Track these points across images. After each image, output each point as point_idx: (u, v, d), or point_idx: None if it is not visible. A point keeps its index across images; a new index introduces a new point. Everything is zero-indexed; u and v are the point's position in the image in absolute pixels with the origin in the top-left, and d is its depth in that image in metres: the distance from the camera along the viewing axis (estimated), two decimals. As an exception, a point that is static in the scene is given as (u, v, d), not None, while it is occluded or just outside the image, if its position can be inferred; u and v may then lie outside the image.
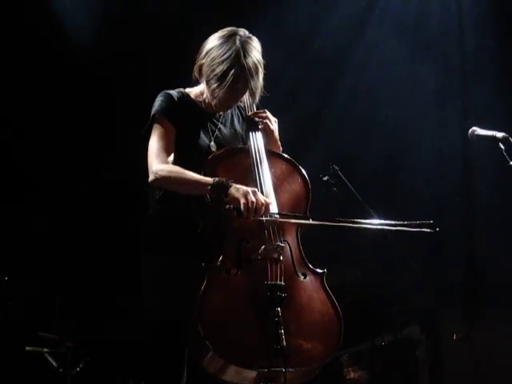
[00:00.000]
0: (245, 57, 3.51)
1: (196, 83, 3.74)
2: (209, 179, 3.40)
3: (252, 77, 3.52)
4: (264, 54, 3.62)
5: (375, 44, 6.82)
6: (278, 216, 3.42)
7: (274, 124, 3.74)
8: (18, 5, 6.10)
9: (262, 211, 3.33)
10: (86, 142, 6.19)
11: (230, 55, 3.50)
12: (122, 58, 6.24)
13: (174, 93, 3.70)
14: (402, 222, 3.53)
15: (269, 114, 3.74)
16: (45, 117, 6.26)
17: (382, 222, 3.64)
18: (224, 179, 3.38)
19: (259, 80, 3.57)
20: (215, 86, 3.54)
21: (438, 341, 5.96)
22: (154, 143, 3.56)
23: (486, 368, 5.71)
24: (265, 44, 3.66)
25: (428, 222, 3.51)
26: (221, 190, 3.36)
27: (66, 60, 6.22)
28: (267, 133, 3.72)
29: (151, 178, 3.50)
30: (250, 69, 3.51)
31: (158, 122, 3.60)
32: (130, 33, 6.24)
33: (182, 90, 3.74)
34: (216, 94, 3.58)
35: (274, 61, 3.74)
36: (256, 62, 3.54)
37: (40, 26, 6.14)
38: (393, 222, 3.57)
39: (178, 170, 3.47)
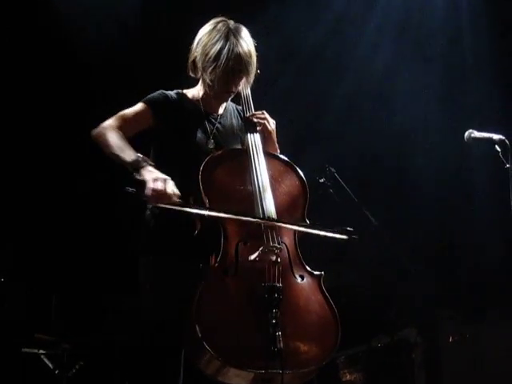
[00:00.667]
0: (235, 35, 3.59)
1: (193, 84, 3.76)
2: (131, 154, 3.42)
3: (245, 53, 3.58)
4: (263, 55, 3.66)
5: (375, 45, 6.84)
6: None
7: (272, 125, 3.75)
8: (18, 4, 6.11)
9: (164, 200, 3.31)
10: (82, 142, 6.18)
11: (221, 36, 3.59)
12: (121, 59, 6.24)
13: (170, 92, 3.73)
14: (321, 226, 3.50)
15: (267, 116, 3.75)
16: (40, 116, 6.25)
17: (303, 224, 3.58)
18: (144, 158, 3.40)
19: (252, 57, 3.62)
20: (211, 68, 3.58)
21: (434, 343, 5.96)
22: (122, 112, 3.62)
23: (483, 370, 5.70)
24: (263, 44, 3.70)
25: (347, 228, 3.49)
26: (136, 167, 3.37)
27: (65, 59, 6.22)
28: (265, 134, 3.73)
29: (94, 130, 3.55)
30: (242, 45, 3.58)
31: (139, 104, 3.65)
32: (130, 32, 6.26)
33: (179, 90, 3.77)
34: (213, 78, 3.60)
35: (274, 61, 3.75)
36: (247, 40, 3.63)
37: (41, 24, 6.14)
38: (315, 225, 3.53)
39: (118, 135, 3.50)
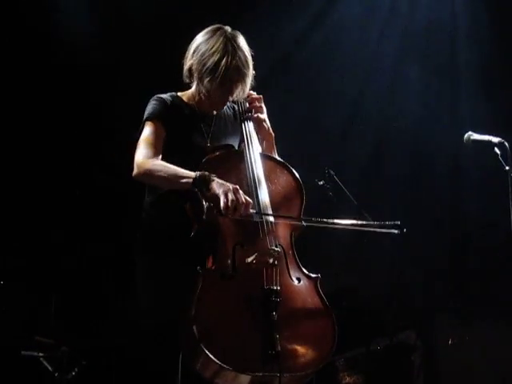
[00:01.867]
0: (233, 46, 3.57)
1: (187, 88, 3.76)
2: (191, 173, 3.40)
3: (243, 64, 3.57)
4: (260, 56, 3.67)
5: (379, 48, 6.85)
6: (257, 216, 3.40)
7: (263, 113, 3.77)
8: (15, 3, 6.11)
9: (242, 210, 3.31)
10: (80, 146, 6.19)
11: (219, 46, 3.56)
12: (117, 61, 6.24)
13: (166, 96, 3.72)
14: (371, 223, 3.52)
15: (259, 103, 3.77)
16: (38, 119, 6.26)
17: (353, 222, 3.60)
18: (207, 174, 3.37)
19: (250, 68, 3.62)
20: (208, 79, 3.57)
21: (433, 346, 5.96)
22: (143, 139, 3.59)
23: (481, 373, 5.70)
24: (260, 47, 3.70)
25: (395, 223, 3.50)
26: (203, 184, 3.35)
27: (61, 62, 6.22)
28: (259, 122, 3.75)
29: (135, 171, 3.51)
30: (240, 56, 3.56)
31: (149, 124, 3.62)
32: (126, 35, 6.26)
33: (174, 93, 3.77)
34: (210, 89, 3.60)
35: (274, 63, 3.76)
36: (245, 50, 3.61)
37: (37, 25, 6.15)
38: (363, 222, 3.56)
39: (162, 163, 3.48)
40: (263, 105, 3.80)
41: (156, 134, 3.59)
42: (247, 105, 3.79)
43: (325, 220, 3.48)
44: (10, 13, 6.08)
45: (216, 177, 3.36)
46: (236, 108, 3.82)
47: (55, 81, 6.24)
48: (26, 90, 6.17)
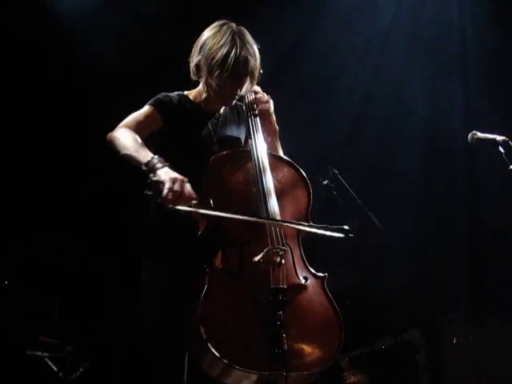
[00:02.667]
0: (241, 39, 3.58)
1: (194, 86, 3.76)
2: (150, 154, 3.37)
3: (252, 56, 3.57)
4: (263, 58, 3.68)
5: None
6: (188, 208, 3.30)
7: (271, 107, 3.78)
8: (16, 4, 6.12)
9: (181, 202, 3.25)
10: (86, 146, 6.20)
11: (226, 39, 3.57)
12: (120, 61, 6.25)
13: (172, 94, 3.73)
14: (321, 225, 3.49)
15: (268, 98, 3.78)
16: (42, 119, 6.27)
17: (306, 223, 3.57)
18: (161, 159, 3.34)
19: (257, 61, 3.62)
20: (218, 72, 3.57)
21: (438, 345, 5.96)
22: (133, 114, 3.60)
23: (486, 372, 5.70)
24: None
25: (343, 227, 3.48)
26: (152, 167, 3.31)
27: (63, 65, 6.23)
28: (265, 116, 3.76)
29: (109, 133, 3.51)
30: (248, 49, 3.57)
31: (146, 107, 3.64)
32: (127, 36, 6.27)
33: (180, 92, 3.77)
34: (219, 82, 3.60)
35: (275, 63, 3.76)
36: (252, 43, 3.62)
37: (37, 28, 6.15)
38: (312, 224, 3.52)
39: (133, 135, 3.46)
40: (271, 100, 3.80)
41: (148, 118, 3.60)
42: (254, 99, 3.78)
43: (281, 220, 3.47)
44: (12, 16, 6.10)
45: (168, 166, 3.31)
46: (242, 103, 3.82)
47: (57, 80, 6.26)
48: (28, 90, 6.18)
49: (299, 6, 6.70)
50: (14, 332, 5.74)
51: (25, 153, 6.24)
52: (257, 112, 3.76)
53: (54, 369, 5.68)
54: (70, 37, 6.21)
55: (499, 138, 4.05)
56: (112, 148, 3.49)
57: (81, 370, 5.76)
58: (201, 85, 3.74)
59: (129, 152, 3.41)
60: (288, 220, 3.50)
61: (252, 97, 3.79)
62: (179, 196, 3.24)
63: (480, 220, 6.69)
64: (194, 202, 3.28)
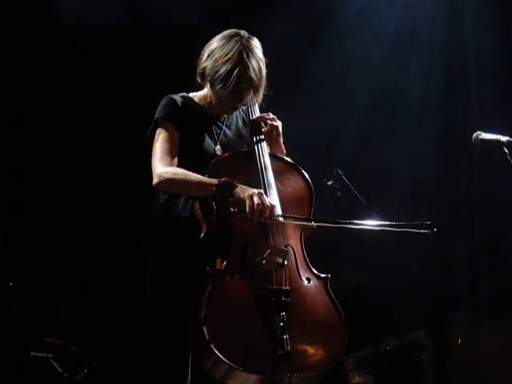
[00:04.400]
0: (248, 56, 3.54)
1: (199, 88, 3.76)
2: (214, 180, 3.41)
3: (256, 75, 3.55)
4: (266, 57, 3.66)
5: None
6: (281, 218, 3.43)
7: (278, 127, 3.75)
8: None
9: (267, 213, 3.33)
10: (88, 147, 6.21)
11: (233, 55, 3.53)
12: (125, 61, 6.25)
13: (177, 97, 3.71)
14: (400, 223, 3.52)
15: (274, 117, 3.75)
16: (44, 119, 6.27)
17: (381, 222, 3.64)
18: (229, 180, 3.40)
19: (262, 78, 3.60)
20: (220, 86, 3.56)
21: (442, 345, 5.95)
22: (158, 146, 3.58)
23: (491, 373, 5.69)
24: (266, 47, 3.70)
25: (426, 223, 3.50)
26: (226, 190, 3.38)
27: (67, 63, 6.24)
28: (272, 136, 3.73)
29: (155, 180, 3.52)
30: (253, 67, 3.54)
31: (162, 126, 3.62)
32: (134, 36, 6.27)
33: (185, 94, 3.76)
34: (221, 96, 3.60)
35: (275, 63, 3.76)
36: (259, 60, 3.58)
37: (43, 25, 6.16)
38: (392, 223, 3.56)
39: (183, 172, 3.49)
40: (279, 122, 3.78)
41: (170, 138, 3.59)
42: (259, 117, 3.77)
43: (352, 221, 3.50)
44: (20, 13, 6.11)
45: (238, 182, 3.39)
46: (247, 112, 3.80)
47: (63, 80, 6.26)
48: (35, 90, 6.19)
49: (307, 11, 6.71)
50: (18, 333, 5.74)
51: (25, 152, 6.23)
52: (261, 122, 3.75)
53: (59, 370, 5.67)
54: (72, 36, 6.22)
55: (503, 138, 4.04)
56: (172, 190, 3.55)
57: (85, 370, 5.75)
58: (206, 88, 3.72)
59: (194, 188, 3.46)
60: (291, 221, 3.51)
61: (256, 115, 3.78)
62: (263, 209, 3.31)
63: (482, 220, 6.67)
64: (277, 212, 3.39)
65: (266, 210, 3.33)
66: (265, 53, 3.66)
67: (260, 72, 3.57)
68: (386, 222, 3.59)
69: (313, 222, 3.53)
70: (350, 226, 3.49)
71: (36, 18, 6.12)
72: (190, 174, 3.47)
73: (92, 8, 6.19)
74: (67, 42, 6.19)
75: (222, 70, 3.54)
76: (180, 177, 3.48)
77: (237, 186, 3.38)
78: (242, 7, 6.21)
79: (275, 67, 3.74)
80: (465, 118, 6.73)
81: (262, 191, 3.38)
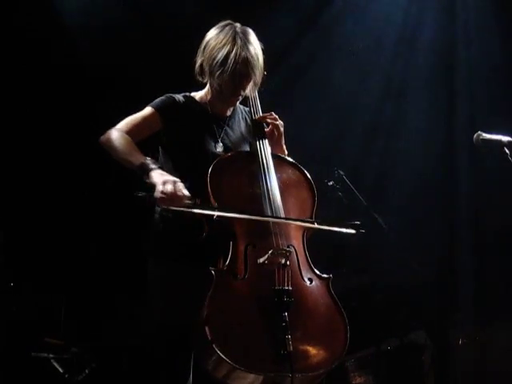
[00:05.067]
0: (243, 39, 3.58)
1: (200, 88, 3.76)
2: (143, 157, 3.43)
3: (252, 57, 3.57)
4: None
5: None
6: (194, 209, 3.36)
7: (280, 127, 3.75)
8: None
9: (175, 202, 3.30)
10: (89, 147, 6.20)
11: (228, 39, 3.58)
12: (125, 61, 6.25)
13: (177, 96, 3.73)
14: (329, 221, 3.50)
15: (276, 117, 3.75)
16: (46, 120, 6.27)
17: (310, 220, 3.58)
18: (152, 162, 3.40)
19: (259, 61, 3.62)
20: (219, 72, 3.57)
21: (443, 346, 5.95)
22: (131, 116, 3.63)
23: (492, 373, 5.69)
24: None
25: (355, 223, 3.49)
26: (144, 171, 3.38)
27: (67, 64, 6.24)
28: (274, 136, 3.73)
29: (102, 136, 3.55)
30: (249, 49, 3.57)
31: (146, 110, 3.65)
32: (132, 37, 6.28)
33: (186, 93, 3.77)
34: (221, 82, 3.60)
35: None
36: (254, 43, 3.62)
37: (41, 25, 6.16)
38: (322, 220, 3.53)
39: (127, 138, 3.51)
40: (278, 120, 3.77)
41: (146, 120, 3.63)
42: (261, 117, 3.76)
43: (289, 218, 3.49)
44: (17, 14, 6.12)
45: (159, 169, 3.38)
46: (250, 113, 3.81)
47: (61, 81, 6.27)
48: (32, 91, 6.20)
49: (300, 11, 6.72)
50: (19, 333, 5.74)
51: (24, 152, 6.24)
52: (263, 123, 3.75)
53: (60, 370, 5.68)
54: (74, 35, 6.23)
55: (505, 138, 4.04)
56: (105, 148, 3.55)
57: (86, 371, 5.75)
58: (206, 86, 3.74)
59: (122, 155, 3.48)
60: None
61: (258, 114, 3.77)
62: (172, 197, 3.28)
63: (483, 220, 6.67)
64: (188, 201, 3.33)
65: (173, 199, 3.29)
66: (266, 54, 3.67)
67: (256, 54, 3.60)
68: (318, 220, 3.55)
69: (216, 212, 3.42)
70: (280, 220, 3.46)
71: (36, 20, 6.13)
72: (132, 143, 3.49)
73: (92, 7, 6.20)
74: (67, 42, 6.20)
75: (220, 55, 3.57)
76: (121, 139, 3.50)
77: (155, 170, 3.36)
78: (243, 8, 6.21)
79: (275, 68, 3.74)
80: (466, 118, 6.72)
81: (178, 180, 3.35)
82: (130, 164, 3.44)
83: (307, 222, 3.55)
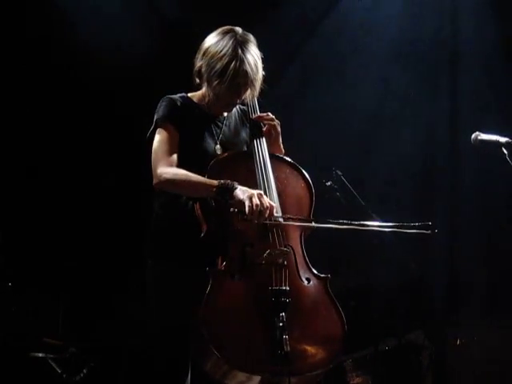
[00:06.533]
0: (243, 50, 3.55)
1: (198, 88, 3.76)
2: (214, 181, 3.41)
3: (252, 69, 3.55)
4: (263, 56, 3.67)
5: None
6: (281, 219, 3.43)
7: (277, 127, 3.75)
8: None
9: (267, 214, 3.33)
10: (89, 147, 6.21)
11: (228, 50, 3.54)
12: (124, 62, 6.25)
13: (176, 97, 3.71)
14: (401, 224, 3.53)
15: (273, 117, 3.75)
16: (45, 121, 6.27)
17: (382, 224, 3.64)
18: (229, 181, 3.39)
19: (258, 72, 3.60)
20: (216, 82, 3.56)
21: (441, 346, 5.95)
22: (158, 147, 3.58)
23: (490, 374, 5.69)
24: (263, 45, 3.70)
25: (426, 223, 3.51)
26: (226, 192, 3.37)
27: (67, 64, 6.24)
28: (271, 136, 3.73)
29: (155, 181, 3.52)
30: (249, 61, 3.54)
31: (161, 127, 3.62)
32: (132, 37, 6.28)
33: (184, 94, 3.76)
34: (218, 92, 3.59)
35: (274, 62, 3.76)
36: (254, 54, 3.59)
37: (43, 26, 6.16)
38: (392, 224, 3.56)
39: (183, 173, 3.48)
40: (275, 119, 3.77)
41: (170, 138, 3.59)
42: (258, 117, 3.76)
43: (351, 222, 3.50)
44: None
45: (238, 184, 3.38)
46: (246, 112, 3.80)
47: (62, 81, 6.27)
48: (36, 90, 6.20)
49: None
50: (17, 333, 5.73)
51: (25, 152, 6.24)
52: (260, 122, 3.75)
53: (58, 370, 5.67)
54: (75, 35, 6.23)
55: (502, 139, 4.04)
56: (172, 191, 3.54)
57: (84, 371, 5.74)
58: (204, 88, 3.73)
59: (194, 189, 3.47)
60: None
61: (256, 114, 3.77)
62: (263, 210, 3.31)
63: (482, 220, 6.68)
64: (276, 212, 3.37)
65: (265, 211, 3.32)
66: (267, 55, 3.67)
67: (256, 66, 3.57)
68: (388, 224, 3.59)
69: (313, 223, 3.53)
70: (350, 226, 3.49)
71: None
72: (191, 174, 3.47)
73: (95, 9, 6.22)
74: (66, 41, 6.21)
75: (218, 66, 3.54)
76: (180, 177, 3.48)
77: (237, 188, 3.37)
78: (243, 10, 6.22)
79: (275, 67, 3.74)
80: (466, 118, 6.73)
81: (261, 192, 3.38)
82: (207, 192, 3.42)
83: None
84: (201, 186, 3.44)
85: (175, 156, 3.56)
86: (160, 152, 3.56)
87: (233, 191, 3.37)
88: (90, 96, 6.26)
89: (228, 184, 3.39)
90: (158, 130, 3.63)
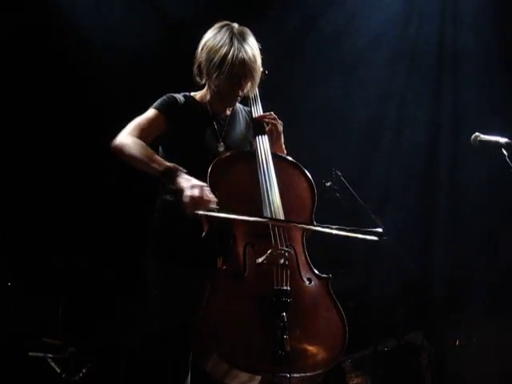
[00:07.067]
0: (239, 40, 3.58)
1: (200, 88, 3.77)
2: (165, 162, 3.42)
3: (249, 58, 3.57)
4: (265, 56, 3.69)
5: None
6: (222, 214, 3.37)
7: (280, 126, 3.76)
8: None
9: (201, 207, 3.30)
10: (89, 147, 6.21)
11: (225, 41, 3.58)
12: (125, 61, 6.26)
13: (178, 95, 3.74)
14: (352, 228, 3.50)
15: (275, 117, 3.76)
16: (45, 121, 6.27)
17: (335, 226, 3.58)
18: (177, 167, 3.39)
19: (257, 62, 3.62)
20: (216, 74, 3.58)
21: (440, 347, 5.95)
22: (137, 120, 3.61)
23: (489, 374, 5.69)
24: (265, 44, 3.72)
25: (377, 230, 3.50)
26: (170, 176, 3.38)
27: (68, 63, 6.24)
28: (273, 135, 3.74)
29: (112, 143, 3.52)
30: (246, 50, 3.57)
31: (150, 112, 3.65)
32: (131, 37, 6.28)
33: (186, 93, 3.78)
34: (218, 84, 3.62)
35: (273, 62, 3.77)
36: (251, 44, 3.61)
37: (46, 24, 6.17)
38: (345, 228, 3.52)
39: (141, 144, 3.49)
40: (278, 119, 3.78)
41: (152, 122, 3.62)
42: (261, 116, 3.77)
43: (308, 223, 3.52)
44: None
45: (184, 172, 3.37)
46: (250, 112, 3.81)
47: (62, 81, 6.27)
48: (36, 91, 6.21)
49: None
50: (17, 333, 5.74)
51: (25, 152, 6.24)
52: (263, 122, 3.75)
53: (57, 370, 5.68)
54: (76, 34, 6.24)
55: (502, 140, 4.05)
56: (121, 156, 3.51)
57: (83, 371, 5.76)
58: (206, 87, 3.74)
59: (142, 162, 3.45)
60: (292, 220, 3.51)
61: (259, 113, 3.78)
62: (199, 201, 3.29)
63: (479, 221, 6.68)
64: (215, 206, 3.34)
65: (201, 203, 3.30)
66: (267, 55, 3.68)
67: (253, 55, 3.59)
68: (339, 227, 3.52)
69: (247, 217, 3.43)
70: (307, 226, 3.49)
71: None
72: (148, 148, 3.48)
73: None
74: (66, 41, 6.21)
75: (216, 58, 3.57)
76: (136, 146, 3.47)
77: (180, 175, 3.36)
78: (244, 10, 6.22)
79: (275, 68, 3.74)
80: (466, 118, 6.73)
81: (206, 185, 3.36)
82: (153, 170, 3.42)
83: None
84: (151, 160, 3.43)
85: (145, 137, 3.55)
86: (134, 124, 3.59)
87: (176, 177, 3.36)
88: (90, 96, 6.26)
89: (173, 169, 3.38)
90: (148, 111, 3.65)
